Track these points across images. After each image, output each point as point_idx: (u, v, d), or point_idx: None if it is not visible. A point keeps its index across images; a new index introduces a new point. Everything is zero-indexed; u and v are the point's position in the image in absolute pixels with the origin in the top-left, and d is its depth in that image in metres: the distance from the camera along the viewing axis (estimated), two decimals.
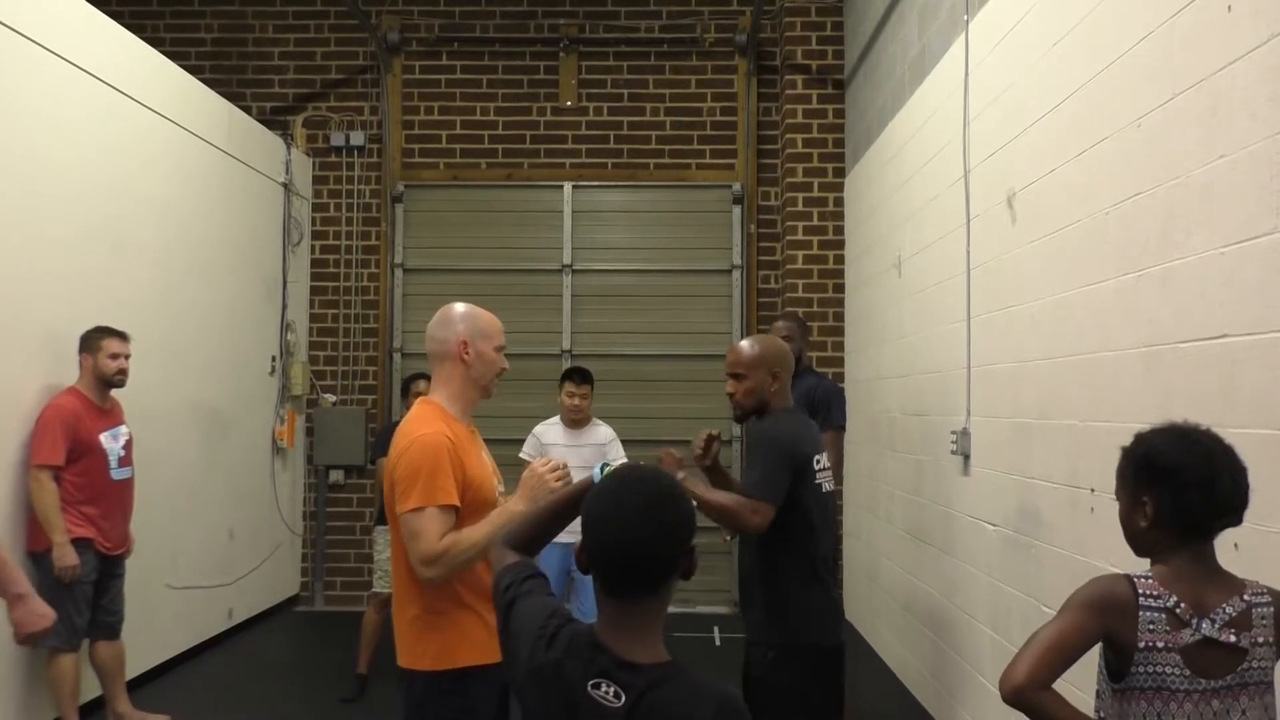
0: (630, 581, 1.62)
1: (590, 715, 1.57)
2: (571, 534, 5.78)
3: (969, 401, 4.50)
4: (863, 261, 6.88)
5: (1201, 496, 1.85)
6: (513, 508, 2.53)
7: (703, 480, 3.29)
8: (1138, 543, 1.98)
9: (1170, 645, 1.82)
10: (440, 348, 2.69)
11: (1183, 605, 1.83)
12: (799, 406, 4.48)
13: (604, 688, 1.57)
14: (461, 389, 2.70)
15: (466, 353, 2.67)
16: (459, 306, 2.74)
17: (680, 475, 3.03)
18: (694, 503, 1.73)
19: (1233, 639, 1.82)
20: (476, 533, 2.48)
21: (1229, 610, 1.83)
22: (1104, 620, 1.86)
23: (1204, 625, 1.82)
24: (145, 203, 5.57)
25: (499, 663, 2.22)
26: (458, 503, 2.50)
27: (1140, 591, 1.85)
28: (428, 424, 2.56)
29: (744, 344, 3.31)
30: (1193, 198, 2.72)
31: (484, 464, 2.69)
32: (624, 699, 1.56)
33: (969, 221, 4.56)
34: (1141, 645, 1.83)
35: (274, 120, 7.85)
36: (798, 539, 3.12)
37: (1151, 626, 1.83)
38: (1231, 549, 2.39)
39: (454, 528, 2.49)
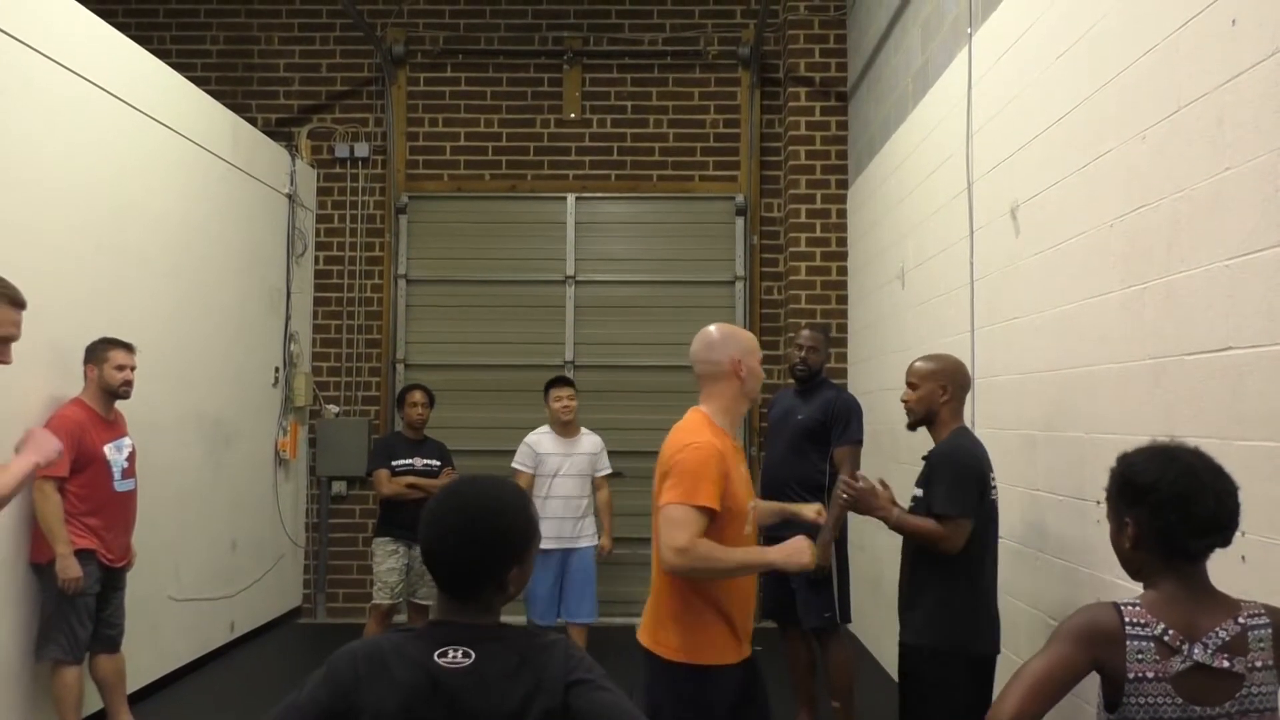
0: (454, 586, 1.73)
1: (450, 678, 1.65)
2: (558, 540, 5.84)
3: (973, 413, 4.49)
4: (866, 273, 6.88)
5: (1180, 516, 1.79)
6: (768, 555, 2.81)
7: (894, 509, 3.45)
8: (1127, 566, 1.93)
9: (1160, 675, 1.76)
10: (713, 369, 2.94)
11: (1171, 632, 1.77)
12: (816, 418, 4.58)
13: (451, 654, 1.67)
14: (733, 403, 2.95)
15: (741, 370, 2.92)
16: (718, 329, 3.00)
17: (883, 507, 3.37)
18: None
19: (1227, 664, 1.75)
20: (728, 554, 2.73)
21: (1222, 634, 1.76)
22: (1092, 652, 1.80)
23: (1195, 651, 1.75)
24: (149, 213, 5.58)
25: (736, 663, 2.73)
26: (716, 507, 2.73)
27: (1127, 620, 1.80)
28: (699, 434, 2.83)
29: (923, 359, 3.57)
30: (1197, 210, 2.72)
31: (745, 477, 2.93)
32: (474, 656, 1.67)
33: (972, 233, 4.56)
34: (1131, 676, 1.77)
35: (279, 132, 7.88)
36: (965, 550, 3.26)
37: (1140, 656, 1.77)
38: (1239, 561, 2.38)
39: (713, 532, 2.72)
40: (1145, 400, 2.97)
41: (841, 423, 4.74)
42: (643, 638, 2.90)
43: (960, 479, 3.28)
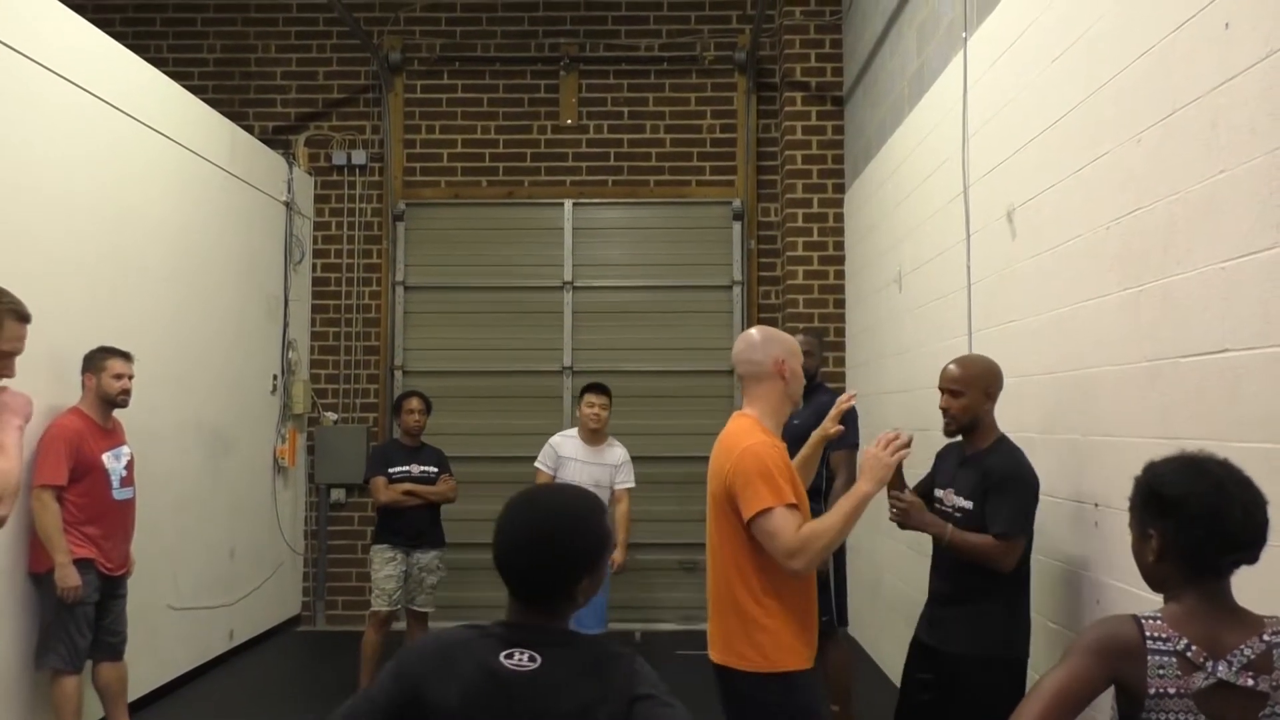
0: (522, 593, 1.74)
1: (513, 680, 1.66)
2: None
3: None
4: (863, 276, 6.89)
5: (1208, 530, 1.75)
6: (861, 489, 2.73)
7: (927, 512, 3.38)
8: (1149, 578, 1.88)
9: (1182, 691, 1.71)
10: (756, 369, 2.90)
11: (1194, 648, 1.72)
12: (811, 423, 4.55)
13: (517, 656, 1.68)
14: (778, 404, 2.91)
15: (785, 371, 2.89)
16: (759, 330, 2.97)
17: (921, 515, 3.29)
18: (613, 536, 1.79)
19: (1251, 682, 1.70)
20: (830, 520, 2.69)
21: (1247, 652, 1.71)
22: (1110, 666, 1.75)
23: (1219, 668, 1.71)
24: (147, 222, 5.59)
25: (812, 667, 2.67)
26: (796, 500, 2.71)
27: (1148, 634, 1.75)
28: (752, 435, 2.77)
29: (958, 363, 3.45)
30: (1193, 213, 2.73)
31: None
32: (539, 661, 1.67)
33: (969, 237, 4.57)
34: (1152, 691, 1.72)
35: (276, 139, 7.89)
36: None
37: (1161, 671, 1.72)
38: None
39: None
40: (1142, 402, 2.98)
41: None
42: (716, 655, 2.81)
43: (1025, 500, 3.24)
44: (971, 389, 3.36)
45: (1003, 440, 3.39)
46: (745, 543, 2.73)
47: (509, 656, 1.67)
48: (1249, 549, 1.77)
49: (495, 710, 1.64)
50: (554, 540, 1.71)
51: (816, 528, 2.66)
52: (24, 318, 3.25)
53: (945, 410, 3.41)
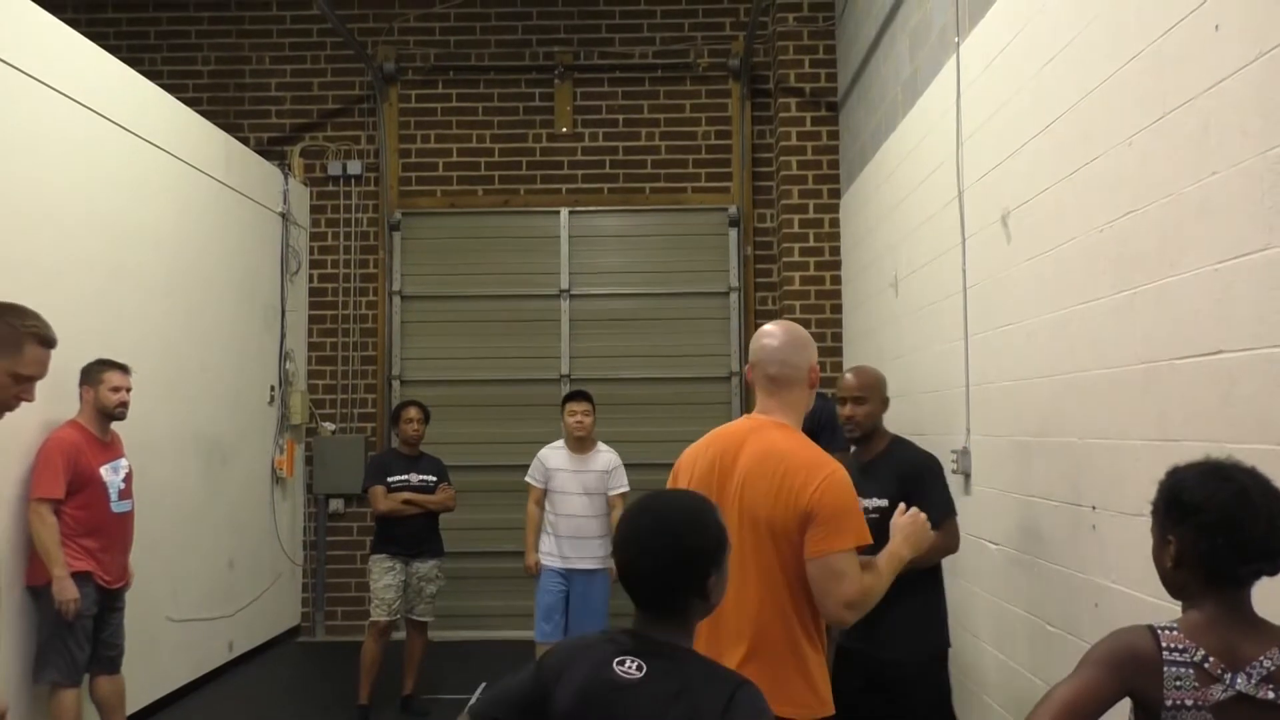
0: (645, 599, 1.79)
1: (618, 688, 1.72)
2: (563, 560, 5.65)
3: (968, 420, 4.50)
4: (859, 282, 6.90)
5: (1228, 539, 1.70)
6: (901, 554, 2.55)
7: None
8: (1167, 584, 1.85)
9: (1200, 703, 1.67)
10: (793, 374, 2.56)
11: (1212, 659, 1.68)
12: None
13: (628, 664, 1.74)
14: (802, 415, 2.62)
15: (815, 379, 2.61)
16: (785, 329, 2.64)
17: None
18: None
19: (1271, 695, 1.66)
20: (880, 580, 2.45)
21: (1267, 664, 1.67)
22: (1124, 677, 1.71)
23: (1238, 680, 1.67)
24: (144, 234, 5.59)
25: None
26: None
27: (1164, 645, 1.71)
28: (826, 456, 2.45)
29: (855, 373, 3.57)
30: (1186, 215, 2.73)
31: None
32: (644, 671, 1.73)
33: (964, 241, 4.58)
34: (1169, 704, 1.68)
35: (271, 150, 7.90)
36: None
37: (1178, 683, 1.68)
38: None
39: None
40: (1137, 405, 2.98)
41: (829, 430, 4.73)
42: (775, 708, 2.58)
43: (944, 481, 3.38)
44: (872, 396, 3.54)
45: (899, 439, 3.54)
46: (800, 575, 2.40)
47: (621, 663, 1.74)
48: (1271, 559, 1.73)
49: (601, 714, 1.72)
50: (672, 542, 1.75)
51: (871, 585, 2.42)
52: (47, 342, 3.17)
53: (850, 419, 3.54)
